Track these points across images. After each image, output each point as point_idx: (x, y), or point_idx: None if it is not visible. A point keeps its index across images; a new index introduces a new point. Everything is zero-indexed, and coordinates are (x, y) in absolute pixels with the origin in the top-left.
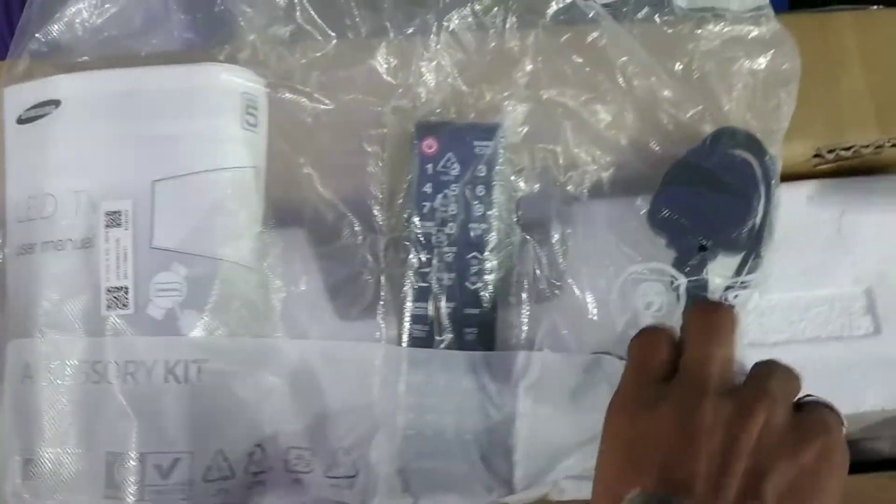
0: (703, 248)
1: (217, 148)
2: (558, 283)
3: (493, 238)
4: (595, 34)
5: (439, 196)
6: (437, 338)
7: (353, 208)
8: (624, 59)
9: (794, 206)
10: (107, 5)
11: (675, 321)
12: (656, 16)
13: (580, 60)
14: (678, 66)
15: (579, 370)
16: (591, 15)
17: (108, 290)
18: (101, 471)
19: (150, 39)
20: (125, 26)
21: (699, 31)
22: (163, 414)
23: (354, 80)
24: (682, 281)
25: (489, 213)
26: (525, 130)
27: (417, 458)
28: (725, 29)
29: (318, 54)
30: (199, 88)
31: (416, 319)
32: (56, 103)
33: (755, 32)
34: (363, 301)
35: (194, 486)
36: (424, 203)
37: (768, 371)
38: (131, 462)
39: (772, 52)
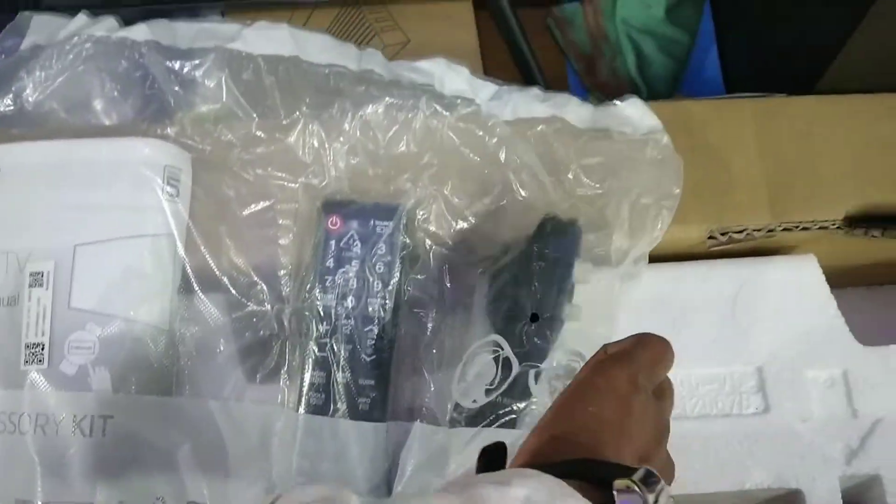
0: (534, 319)
1: (137, 216)
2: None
3: (388, 313)
4: (494, 140)
5: (340, 270)
6: (333, 406)
7: (263, 277)
8: (517, 163)
9: (688, 285)
10: (48, 82)
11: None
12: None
13: (477, 160)
14: (569, 176)
15: (460, 443)
16: (490, 123)
17: (27, 346)
18: None
19: (86, 114)
20: (64, 101)
21: (594, 145)
22: (68, 465)
23: (272, 158)
24: (507, 350)
25: (387, 289)
26: (422, 215)
27: None
28: (617, 147)
29: (240, 132)
30: (124, 161)
31: (313, 387)
32: None
33: (647, 153)
34: (268, 365)
35: None
36: (327, 277)
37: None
38: None
39: (659, 171)
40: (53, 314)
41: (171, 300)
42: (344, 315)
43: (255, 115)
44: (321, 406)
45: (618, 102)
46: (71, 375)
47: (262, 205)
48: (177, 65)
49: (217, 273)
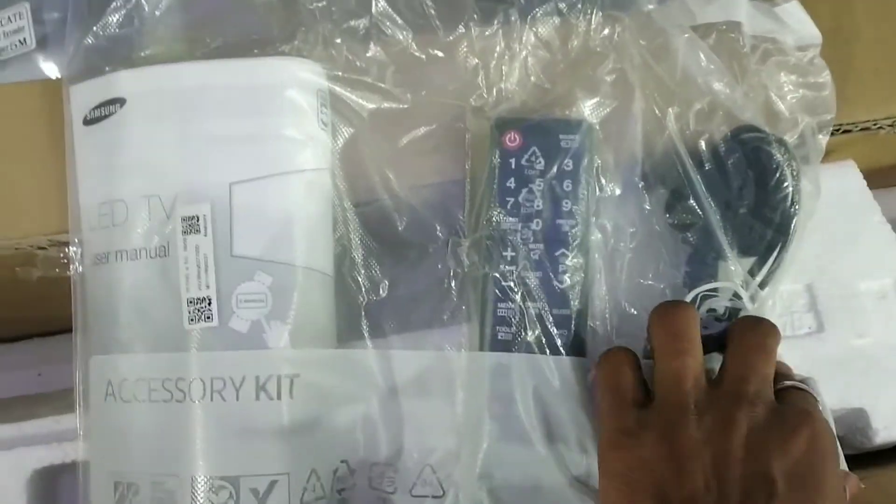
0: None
1: (295, 148)
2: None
3: (580, 234)
4: (675, 39)
5: (524, 191)
6: (525, 341)
7: (432, 210)
8: (701, 64)
9: None
10: None
11: None
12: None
13: (657, 63)
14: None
15: None
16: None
17: (190, 302)
18: (188, 496)
19: (214, 31)
20: (188, 17)
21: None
22: (255, 433)
23: (432, 78)
24: (746, 296)
25: (576, 208)
26: (607, 129)
27: (504, 470)
28: (781, 57)
29: (394, 49)
30: (276, 84)
31: (501, 321)
32: (121, 102)
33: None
34: (446, 307)
35: None
36: (508, 198)
37: (744, 367)
38: (222, 487)
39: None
40: (217, 264)
41: (334, 244)
42: (531, 239)
43: (409, 30)
44: (510, 342)
45: (775, 4)
46: (244, 333)
47: (422, 130)
48: None
49: (378, 210)
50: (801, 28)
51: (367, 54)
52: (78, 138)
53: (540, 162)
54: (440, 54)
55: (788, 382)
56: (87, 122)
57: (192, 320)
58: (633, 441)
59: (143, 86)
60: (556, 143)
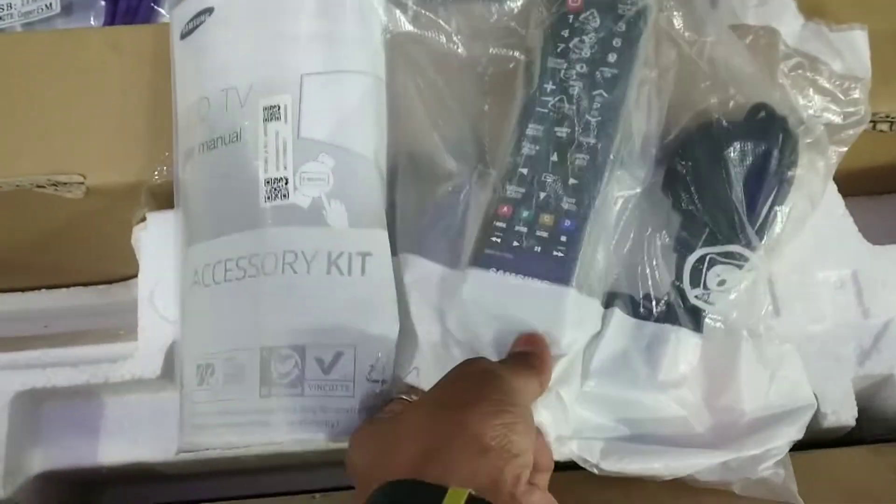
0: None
1: (362, 52)
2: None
3: (622, 82)
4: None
5: (575, 39)
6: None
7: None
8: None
9: None
10: None
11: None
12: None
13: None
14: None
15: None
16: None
17: (268, 182)
18: (256, 368)
19: None
20: None
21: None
22: (323, 305)
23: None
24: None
25: (621, 63)
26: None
27: None
28: (814, 76)
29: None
30: None
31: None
32: (209, 11)
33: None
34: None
35: (357, 383)
36: (559, 44)
37: None
38: (289, 356)
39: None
40: (293, 146)
41: (385, 144)
42: (574, 76)
43: None
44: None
45: (836, 28)
46: (304, 208)
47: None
48: None
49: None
50: (852, 58)
51: None
52: (177, 53)
53: (595, 21)
54: None
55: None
56: (183, 35)
57: (268, 198)
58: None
59: None
60: (613, 7)
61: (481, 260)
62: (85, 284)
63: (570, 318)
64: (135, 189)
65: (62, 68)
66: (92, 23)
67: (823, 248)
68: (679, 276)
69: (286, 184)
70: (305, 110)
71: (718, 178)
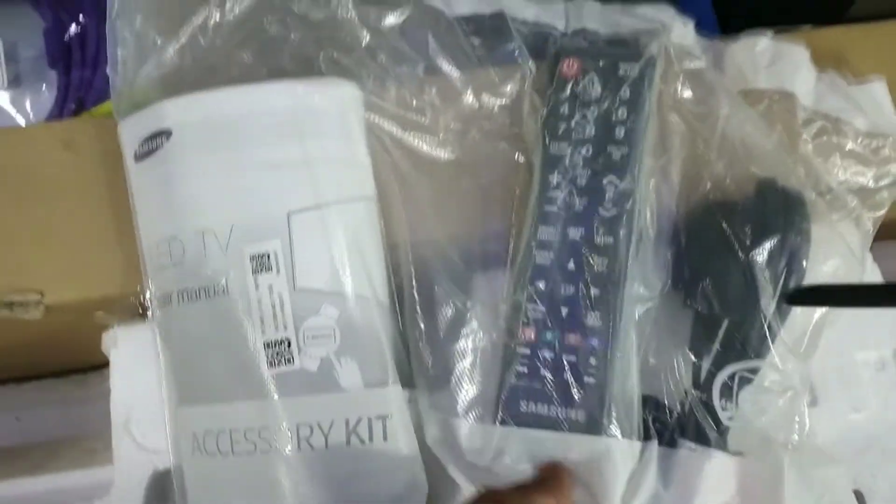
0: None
1: (350, 174)
2: None
3: (630, 162)
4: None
5: (577, 116)
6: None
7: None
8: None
9: None
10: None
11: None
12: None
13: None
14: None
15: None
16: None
17: (268, 346)
18: None
19: (261, 63)
20: (244, 42)
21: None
22: (346, 481)
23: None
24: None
25: (630, 136)
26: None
27: None
28: (838, 139)
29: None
30: (328, 107)
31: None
32: (167, 134)
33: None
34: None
35: None
36: (560, 124)
37: None
38: None
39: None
40: (291, 301)
41: (386, 275)
42: (580, 164)
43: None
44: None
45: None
46: (313, 371)
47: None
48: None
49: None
50: (876, 113)
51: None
52: (132, 176)
53: (596, 89)
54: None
55: None
56: (138, 157)
57: (271, 364)
58: None
59: (188, 115)
60: (614, 70)
61: (510, 408)
62: (57, 375)
63: (620, 478)
64: (99, 305)
65: (9, 171)
66: (45, 92)
67: (861, 326)
68: (708, 395)
69: (289, 346)
70: (299, 257)
71: (739, 284)
